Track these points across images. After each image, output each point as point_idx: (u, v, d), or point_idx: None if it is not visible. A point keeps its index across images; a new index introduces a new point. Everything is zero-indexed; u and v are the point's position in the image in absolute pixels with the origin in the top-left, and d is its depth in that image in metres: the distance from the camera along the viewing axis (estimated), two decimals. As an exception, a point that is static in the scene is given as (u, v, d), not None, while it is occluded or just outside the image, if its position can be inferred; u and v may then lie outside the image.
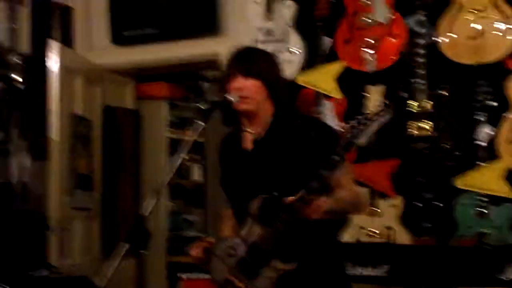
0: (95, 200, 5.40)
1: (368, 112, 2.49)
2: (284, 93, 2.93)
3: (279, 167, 2.78)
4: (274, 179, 2.79)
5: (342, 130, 2.55)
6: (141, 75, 5.99)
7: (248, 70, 2.82)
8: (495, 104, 4.08)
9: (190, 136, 2.84)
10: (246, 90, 2.82)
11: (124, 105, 5.90)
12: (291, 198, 2.61)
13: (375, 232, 4.25)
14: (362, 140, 2.50)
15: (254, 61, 2.86)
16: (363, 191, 2.85)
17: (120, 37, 5.44)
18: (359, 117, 2.50)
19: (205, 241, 2.99)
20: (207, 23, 5.10)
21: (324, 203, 2.63)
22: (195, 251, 2.97)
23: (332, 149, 2.71)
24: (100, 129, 5.55)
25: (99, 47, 5.62)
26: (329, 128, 2.96)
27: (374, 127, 2.50)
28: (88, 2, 5.66)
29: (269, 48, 4.64)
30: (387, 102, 2.53)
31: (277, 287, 2.75)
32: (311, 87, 4.61)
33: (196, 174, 7.24)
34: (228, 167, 3.02)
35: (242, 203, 2.87)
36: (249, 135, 2.92)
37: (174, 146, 6.35)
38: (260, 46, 4.69)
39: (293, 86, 4.60)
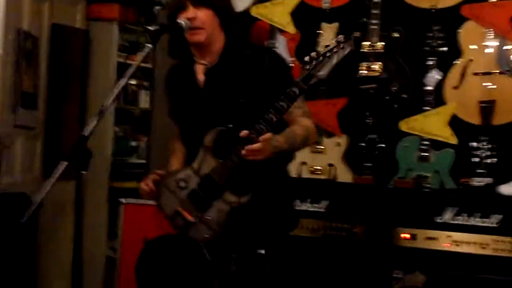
0: (38, 119, 5.31)
1: (329, 44, 2.45)
2: (236, 22, 2.90)
3: (233, 98, 2.75)
4: (228, 110, 2.77)
5: (304, 61, 2.51)
6: (93, -5, 5.84)
7: (199, 1, 2.78)
8: (445, 49, 4.08)
9: (136, 59, 2.80)
10: (198, 20, 2.79)
11: (73, 24, 5.75)
12: (246, 131, 2.60)
13: (317, 169, 4.29)
14: (322, 72, 2.49)
15: None
16: (312, 125, 2.84)
17: (72, -46, 5.28)
18: (320, 49, 2.47)
19: (155, 174, 2.97)
20: None
21: (276, 142, 2.63)
22: (145, 184, 2.94)
23: (287, 79, 2.71)
24: (47, 47, 5.42)
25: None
26: (282, 58, 2.94)
27: (334, 59, 2.48)
28: None
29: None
30: (349, 35, 2.49)
31: (229, 220, 2.76)
32: (265, 20, 4.56)
33: (144, 100, 7.17)
34: (179, 98, 2.99)
35: (195, 134, 2.85)
36: (201, 67, 2.89)
37: (123, 70, 6.23)
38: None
39: (247, 18, 4.55)
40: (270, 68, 2.79)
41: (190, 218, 2.81)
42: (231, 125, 2.73)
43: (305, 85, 2.53)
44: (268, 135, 2.59)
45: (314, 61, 2.50)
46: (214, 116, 2.81)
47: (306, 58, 2.51)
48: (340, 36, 2.51)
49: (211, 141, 2.77)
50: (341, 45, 2.48)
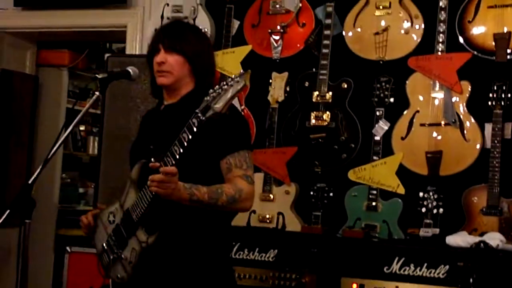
0: (-16, 166, 5.23)
1: (224, 81, 2.51)
2: (207, 71, 2.91)
3: (174, 135, 2.73)
4: (166, 146, 2.73)
5: (205, 97, 2.55)
6: (43, 40, 5.82)
7: (170, 45, 2.83)
8: (393, 100, 4.15)
9: (86, 105, 2.78)
10: (167, 64, 2.82)
11: (23, 70, 5.72)
12: (155, 163, 2.58)
13: (266, 217, 4.27)
14: (218, 105, 2.52)
15: (179, 37, 2.86)
16: (249, 190, 2.80)
17: (23, 0, 5.25)
18: (217, 86, 2.52)
19: (97, 208, 2.94)
20: (116, -7, 4.99)
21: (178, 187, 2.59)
22: (85, 217, 2.91)
23: (239, 130, 2.74)
24: (-5, 93, 5.37)
25: (1, 8, 5.40)
26: (238, 111, 2.96)
27: (229, 93, 2.52)
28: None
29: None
30: (243, 71, 2.55)
31: (140, 261, 2.71)
32: (216, 69, 4.56)
33: (93, 147, 7.10)
34: (139, 136, 3.02)
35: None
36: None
37: (73, 116, 6.18)
38: (168, 22, 4.63)
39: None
40: (227, 124, 2.76)
41: (109, 257, 2.77)
42: (153, 159, 2.70)
43: (203, 116, 2.55)
44: (171, 168, 2.55)
45: (212, 94, 2.54)
46: (152, 151, 2.78)
47: (209, 91, 2.55)
48: (235, 73, 2.57)
49: (136, 173, 2.74)
50: (236, 79, 2.53)
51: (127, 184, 2.77)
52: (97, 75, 2.71)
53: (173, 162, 2.57)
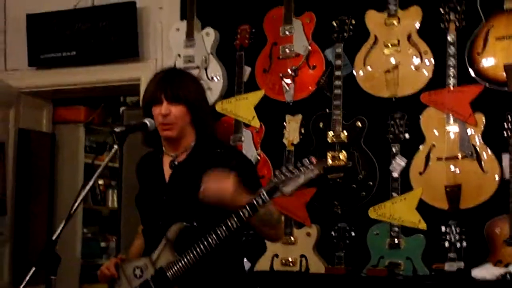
0: (6, 224, 5.27)
1: (300, 164, 2.52)
2: (207, 118, 2.93)
3: (195, 194, 2.76)
4: (190, 206, 2.77)
5: (274, 173, 2.57)
6: (58, 98, 5.90)
7: (174, 96, 2.81)
8: (408, 136, 4.16)
9: (104, 160, 2.81)
10: (172, 116, 2.81)
11: (40, 129, 5.79)
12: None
13: (289, 261, 4.27)
14: (287, 189, 2.54)
15: (180, 86, 2.84)
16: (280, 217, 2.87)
17: (37, 60, 5.35)
18: (290, 166, 2.53)
19: (118, 258, 2.95)
20: (128, 48, 5.07)
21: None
22: (106, 267, 2.92)
23: (252, 180, 2.75)
24: (14, 152, 5.43)
25: (15, 69, 5.50)
26: (248, 159, 2.99)
27: (301, 179, 2.53)
28: (5, 22, 5.55)
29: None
30: (320, 159, 2.56)
31: None
32: (231, 115, 4.63)
33: (112, 200, 7.14)
34: (145, 186, 3.00)
35: (154, 225, 2.84)
36: (168, 158, 2.91)
37: (90, 171, 6.23)
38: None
39: (212, 114, 4.61)
40: (236, 169, 2.78)
41: None
42: (195, 223, 2.74)
43: (269, 197, 2.57)
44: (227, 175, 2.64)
45: (282, 176, 2.55)
46: (175, 211, 2.80)
47: (277, 172, 2.57)
48: (312, 158, 2.57)
49: (174, 234, 2.76)
50: (311, 167, 2.53)
51: (162, 242, 2.78)
52: (115, 129, 2.74)
53: (227, 234, 2.63)
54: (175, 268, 2.72)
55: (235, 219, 2.61)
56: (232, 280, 2.85)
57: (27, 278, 2.49)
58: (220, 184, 2.64)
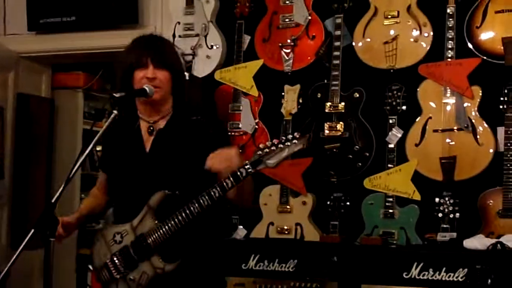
0: (4, 188, 5.30)
1: (283, 137, 2.56)
2: (185, 87, 2.97)
3: (178, 162, 2.80)
4: (172, 174, 2.81)
5: (258, 147, 2.62)
6: (57, 63, 5.90)
7: (160, 61, 2.85)
8: (405, 108, 4.19)
9: (102, 126, 2.83)
10: (157, 80, 2.85)
11: (39, 94, 5.80)
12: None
13: (284, 229, 4.32)
14: (271, 161, 2.58)
15: (166, 52, 2.90)
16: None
17: (36, 24, 5.34)
18: (275, 140, 2.57)
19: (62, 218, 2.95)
20: (127, 14, 5.06)
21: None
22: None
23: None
24: (13, 117, 5.45)
25: (14, 33, 5.50)
26: (224, 127, 3.03)
27: (284, 153, 2.57)
28: (5, -13, 5.54)
29: (188, 42, 4.67)
30: (303, 134, 2.60)
31: (150, 286, 2.77)
32: (229, 84, 4.64)
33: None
34: (116, 151, 2.99)
35: (131, 192, 2.87)
36: (146, 125, 2.93)
37: (89, 137, 6.26)
38: (180, 40, 4.70)
39: (210, 82, 4.63)
40: (214, 136, 2.86)
41: (113, 274, 2.84)
42: (177, 192, 2.77)
43: (253, 168, 2.61)
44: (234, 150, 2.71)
45: (266, 149, 2.59)
46: (157, 178, 2.83)
47: (261, 145, 2.61)
48: (296, 133, 2.61)
49: (157, 202, 2.79)
50: (294, 141, 2.57)
51: (144, 209, 2.81)
52: (114, 94, 2.76)
53: (209, 203, 2.67)
54: (156, 235, 2.76)
55: (218, 189, 2.65)
56: (211, 249, 2.90)
57: (26, 239, 2.53)
58: (226, 162, 2.68)
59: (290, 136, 2.58)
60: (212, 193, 2.66)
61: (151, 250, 2.77)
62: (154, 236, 2.76)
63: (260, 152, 2.59)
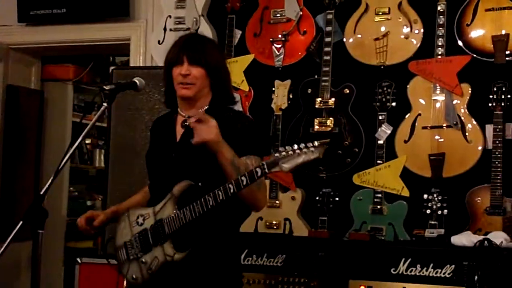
0: (-8, 180, 5.29)
1: (303, 145, 2.57)
2: (225, 85, 3.00)
3: (203, 155, 2.82)
4: (197, 166, 2.84)
5: (277, 149, 2.63)
6: (47, 56, 5.89)
7: (195, 59, 2.89)
8: (395, 104, 4.20)
9: (92, 118, 2.83)
10: (191, 77, 2.89)
11: (29, 86, 5.78)
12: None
13: (273, 223, 4.32)
14: (286, 165, 2.59)
15: (203, 50, 2.93)
16: (263, 183, 2.94)
17: (27, 16, 5.32)
18: (294, 146, 2.58)
19: (90, 213, 3.07)
20: (118, 7, 5.05)
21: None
22: (80, 220, 3.03)
23: (256, 147, 2.86)
24: (2, 108, 5.43)
25: (4, 24, 5.47)
26: (254, 124, 3.04)
27: (300, 159, 2.58)
28: (-5, -22, 5.51)
29: (179, 36, 4.64)
30: (323, 142, 2.61)
31: (160, 271, 2.79)
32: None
33: (99, 159, 7.16)
34: (156, 144, 3.07)
35: (160, 182, 2.92)
36: (181, 118, 2.97)
37: (78, 130, 6.25)
38: (171, 33, 4.70)
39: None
40: (242, 131, 2.89)
41: (129, 254, 2.89)
42: (200, 184, 2.80)
43: (268, 169, 2.63)
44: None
45: (284, 152, 2.60)
46: (183, 168, 2.87)
47: (281, 148, 2.63)
48: (316, 141, 2.62)
49: (180, 191, 2.82)
50: (312, 149, 2.58)
51: (167, 196, 2.84)
52: (104, 87, 2.77)
53: (224, 197, 2.68)
54: (172, 222, 2.80)
55: (233, 184, 2.67)
56: (223, 243, 2.91)
57: (15, 231, 2.52)
58: (207, 132, 2.73)
59: (309, 144, 2.59)
60: (228, 188, 2.68)
61: (165, 236, 2.81)
62: (170, 222, 2.80)
63: (277, 155, 2.61)
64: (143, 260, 2.85)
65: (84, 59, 6.24)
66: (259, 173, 2.64)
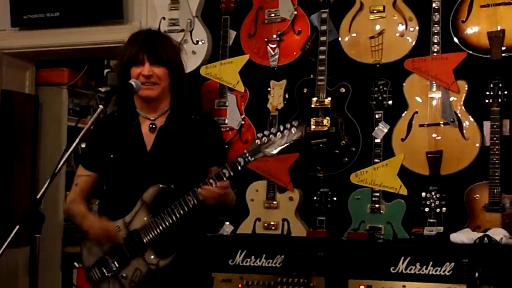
0: (-12, 186, 5.26)
1: (282, 127, 2.54)
2: (184, 83, 2.95)
3: (178, 160, 2.79)
4: (172, 171, 2.79)
5: (257, 136, 2.60)
6: (41, 60, 5.86)
7: (157, 58, 2.82)
8: (391, 103, 4.19)
9: (88, 122, 2.81)
10: (154, 76, 2.82)
11: (23, 90, 5.76)
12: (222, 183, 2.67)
13: (271, 224, 4.31)
14: (270, 150, 2.56)
15: (163, 48, 2.85)
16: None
17: (20, 20, 5.29)
18: (273, 129, 2.56)
19: (105, 223, 2.90)
20: (112, 9, 5.03)
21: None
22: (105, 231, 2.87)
23: (222, 146, 2.87)
24: (-3, 113, 5.42)
25: (-1, 29, 5.47)
26: (219, 126, 3.04)
27: (283, 141, 2.56)
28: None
29: (173, 37, 4.62)
30: (302, 123, 2.59)
31: (144, 282, 2.74)
32: (215, 79, 4.63)
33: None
34: (113, 147, 2.92)
35: (129, 187, 2.83)
36: (147, 122, 2.91)
37: (74, 134, 6.23)
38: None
39: (196, 78, 4.61)
40: (212, 135, 2.89)
41: (104, 273, 2.81)
42: (172, 186, 2.75)
43: (251, 157, 2.60)
44: (226, 183, 2.65)
45: (264, 138, 2.57)
46: (156, 175, 2.81)
47: (259, 134, 2.60)
48: (294, 121, 2.60)
49: (151, 197, 2.76)
50: (293, 129, 2.56)
51: (137, 205, 2.77)
52: (100, 89, 2.75)
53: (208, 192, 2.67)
54: (150, 230, 2.73)
55: (214, 179, 2.64)
56: (200, 244, 2.89)
57: (12, 235, 2.49)
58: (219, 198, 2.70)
59: (288, 125, 2.57)
60: (209, 183, 2.63)
61: (144, 246, 2.74)
62: (148, 231, 2.73)
63: (258, 141, 2.58)
64: (123, 275, 2.76)
65: (78, 63, 6.22)
66: (242, 163, 2.61)
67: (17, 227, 2.48)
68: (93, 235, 2.84)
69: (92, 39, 5.18)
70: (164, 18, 4.75)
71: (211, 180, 2.64)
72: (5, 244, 2.52)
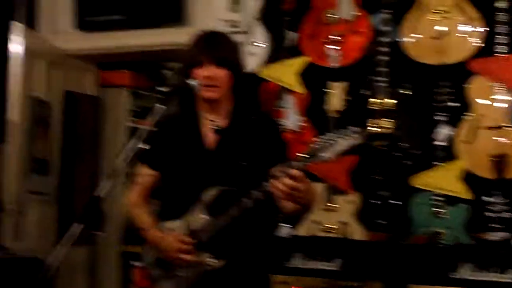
0: (51, 185, 5.36)
1: (342, 130, 2.49)
2: (246, 84, 2.94)
3: (241, 160, 2.78)
4: (234, 173, 2.78)
5: (313, 140, 2.56)
6: (104, 62, 5.94)
7: (220, 60, 2.80)
8: (455, 105, 4.11)
9: (148, 123, 2.82)
10: (216, 79, 2.80)
11: (86, 91, 5.85)
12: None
13: (330, 227, 4.27)
14: (326, 155, 2.50)
15: (225, 50, 2.84)
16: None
17: (84, 23, 5.39)
18: (331, 133, 2.51)
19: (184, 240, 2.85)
20: (173, 12, 5.08)
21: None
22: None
23: (282, 147, 2.80)
24: (60, 114, 5.51)
25: (63, 31, 5.56)
26: (279, 126, 3.01)
27: (341, 146, 2.50)
28: (54, -15, 5.60)
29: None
30: (361, 128, 2.53)
31: (199, 282, 2.75)
32: (274, 81, 4.61)
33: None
34: (175, 147, 2.93)
35: (188, 189, 2.82)
36: (209, 123, 2.91)
37: (134, 135, 6.28)
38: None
39: (255, 79, 4.60)
40: (272, 137, 2.88)
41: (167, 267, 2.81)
42: (233, 188, 2.74)
43: (307, 162, 2.53)
44: (300, 173, 2.54)
45: (322, 142, 2.52)
46: (216, 176, 2.80)
47: (317, 138, 2.55)
48: (354, 126, 2.54)
49: (211, 198, 2.76)
50: (352, 134, 2.50)
51: (197, 205, 2.78)
52: (162, 89, 2.75)
53: (262, 197, 2.63)
54: (208, 231, 2.73)
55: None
56: (262, 247, 2.87)
57: (74, 234, 2.52)
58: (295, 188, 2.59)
59: (347, 130, 2.51)
60: (265, 186, 2.61)
61: (201, 246, 2.75)
62: (206, 232, 2.73)
63: (315, 146, 2.54)
64: (180, 274, 2.77)
65: (139, 65, 6.28)
66: (298, 165, 2.56)
67: (78, 226, 2.51)
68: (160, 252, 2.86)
69: (154, 41, 5.23)
70: (224, 21, 4.76)
71: (267, 183, 2.60)
72: (70, 242, 2.54)
